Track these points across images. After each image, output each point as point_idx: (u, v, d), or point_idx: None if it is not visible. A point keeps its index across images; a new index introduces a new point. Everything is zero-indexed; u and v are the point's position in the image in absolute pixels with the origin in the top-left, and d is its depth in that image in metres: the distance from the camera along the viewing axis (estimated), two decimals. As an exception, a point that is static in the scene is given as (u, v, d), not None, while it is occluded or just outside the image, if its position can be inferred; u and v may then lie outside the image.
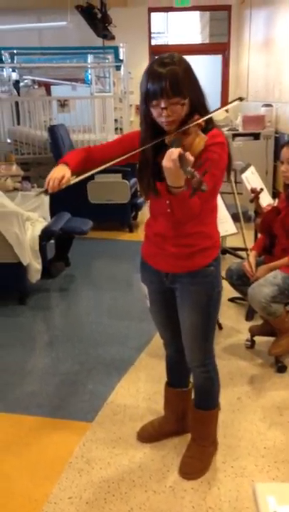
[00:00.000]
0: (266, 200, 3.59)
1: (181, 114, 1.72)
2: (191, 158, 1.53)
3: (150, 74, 1.71)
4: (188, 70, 1.73)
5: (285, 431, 2.39)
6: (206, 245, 1.92)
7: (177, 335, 2.09)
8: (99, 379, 2.87)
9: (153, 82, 1.69)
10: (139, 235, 5.87)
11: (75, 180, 1.77)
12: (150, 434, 2.35)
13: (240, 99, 1.80)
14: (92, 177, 5.63)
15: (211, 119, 1.80)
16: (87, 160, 1.89)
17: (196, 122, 1.70)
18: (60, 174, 1.75)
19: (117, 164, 1.86)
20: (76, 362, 3.07)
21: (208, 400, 2.17)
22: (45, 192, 1.77)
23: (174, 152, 1.55)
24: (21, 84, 7.37)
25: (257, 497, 0.83)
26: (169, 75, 1.67)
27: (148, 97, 1.73)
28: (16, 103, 6.56)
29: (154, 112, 1.74)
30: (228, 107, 1.81)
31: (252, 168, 4.01)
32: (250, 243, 3.26)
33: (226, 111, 7.70)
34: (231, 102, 1.80)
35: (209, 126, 1.78)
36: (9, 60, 7.10)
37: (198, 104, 1.75)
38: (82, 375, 2.92)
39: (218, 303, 2.04)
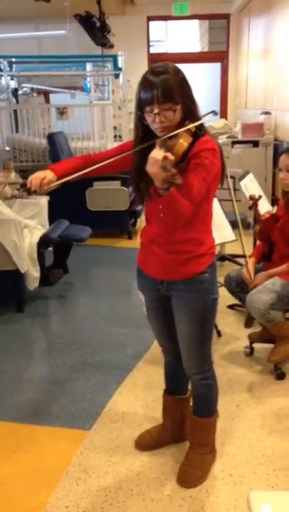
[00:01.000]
0: (265, 207, 3.59)
1: (174, 120, 1.74)
2: (171, 157, 1.56)
3: (143, 82, 1.75)
4: (181, 78, 1.76)
5: (284, 438, 2.38)
6: (200, 252, 1.92)
7: (175, 342, 2.08)
8: (97, 386, 2.85)
9: (145, 89, 1.73)
10: (138, 242, 5.85)
11: (57, 182, 1.81)
12: (148, 443, 2.33)
13: (214, 112, 1.84)
14: (91, 184, 5.74)
15: (202, 126, 1.81)
16: (85, 167, 1.89)
17: (185, 128, 1.72)
18: (42, 175, 1.80)
19: (113, 172, 1.88)
20: (74, 369, 3.05)
21: (206, 407, 2.16)
22: (28, 191, 1.81)
23: (157, 154, 1.57)
24: (20, 92, 7.39)
25: (251, 505, 0.82)
26: (161, 83, 1.70)
27: (141, 104, 1.76)
28: (15, 111, 6.57)
29: (148, 119, 1.77)
30: (203, 120, 1.83)
31: (250, 176, 4.01)
32: (248, 250, 3.25)
33: (226, 118, 7.74)
34: (205, 115, 1.83)
35: (200, 132, 1.79)
36: (8, 69, 7.11)
37: (189, 112, 1.78)
38: (80, 382, 2.91)
39: (215, 310, 2.03)
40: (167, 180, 1.56)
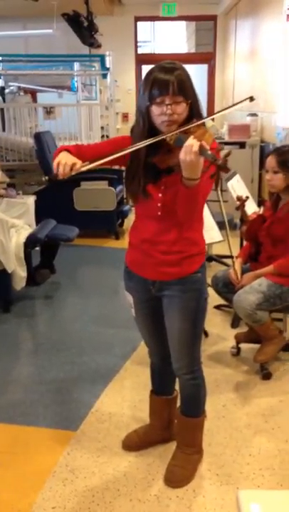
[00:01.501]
0: (252, 208, 3.61)
1: (182, 115, 1.74)
2: (207, 145, 1.56)
3: (156, 75, 1.72)
4: (189, 76, 1.77)
5: (270, 438, 2.40)
6: (194, 252, 1.93)
7: (163, 343, 2.09)
8: (84, 387, 2.85)
9: (160, 81, 1.71)
10: (125, 242, 5.83)
11: (88, 166, 1.68)
12: (135, 443, 2.33)
13: (251, 98, 1.80)
14: (78, 184, 5.72)
15: (205, 126, 1.82)
16: (77, 157, 1.82)
17: (197, 123, 1.71)
18: (71, 161, 1.67)
19: (105, 164, 1.81)
20: (61, 370, 3.04)
21: (195, 407, 2.17)
22: (55, 177, 1.68)
23: (194, 144, 1.55)
24: (7, 91, 7.34)
25: (240, 505, 0.83)
26: (176, 75, 1.71)
27: (152, 95, 1.72)
28: (2, 110, 6.54)
29: (157, 111, 1.74)
30: (238, 106, 1.81)
31: (237, 177, 4.03)
32: (235, 251, 3.27)
33: (212, 119, 7.77)
34: (241, 101, 1.80)
35: None
36: (-5, 67, 7.07)
37: (195, 110, 1.78)
38: (67, 383, 2.90)
39: (205, 310, 2.05)
40: (206, 163, 1.54)
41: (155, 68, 1.75)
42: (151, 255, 1.93)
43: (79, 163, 1.67)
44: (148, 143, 1.71)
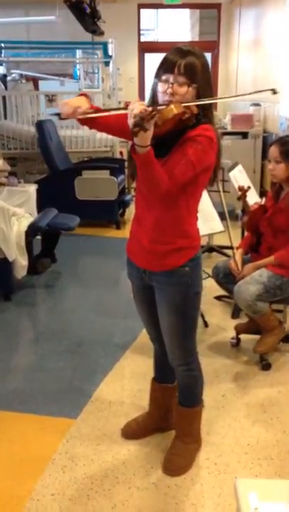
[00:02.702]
0: (253, 198, 3.60)
1: (185, 97, 1.73)
2: (148, 109, 1.53)
3: (168, 55, 1.74)
4: (203, 62, 1.77)
5: (268, 428, 2.41)
6: (182, 245, 1.90)
7: (160, 331, 2.09)
8: (84, 376, 2.86)
9: (169, 60, 1.73)
10: (126, 232, 5.81)
11: (91, 114, 1.72)
12: (134, 431, 2.35)
13: (273, 90, 1.77)
14: (80, 173, 5.70)
15: (209, 114, 1.80)
16: (108, 118, 1.85)
17: (187, 103, 1.69)
18: (77, 103, 1.72)
19: (119, 133, 1.82)
20: (61, 358, 3.05)
21: (191, 397, 2.17)
22: (59, 115, 1.72)
23: (135, 108, 1.54)
24: (8, 78, 7.29)
25: (238, 493, 0.83)
26: (185, 57, 1.71)
27: (159, 71, 1.75)
28: (3, 97, 6.50)
29: (161, 87, 1.75)
30: (256, 95, 1.78)
31: (239, 167, 4.02)
32: (236, 241, 3.27)
33: (215, 109, 7.72)
34: (263, 91, 1.78)
35: (203, 119, 1.77)
36: (-3, 54, 7.03)
37: (202, 97, 1.75)
38: (66, 371, 2.91)
39: (196, 303, 2.02)
40: (137, 121, 1.49)
41: (172, 48, 1.77)
42: (141, 242, 1.94)
43: (84, 107, 1.71)
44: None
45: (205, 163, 1.77)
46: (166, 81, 1.74)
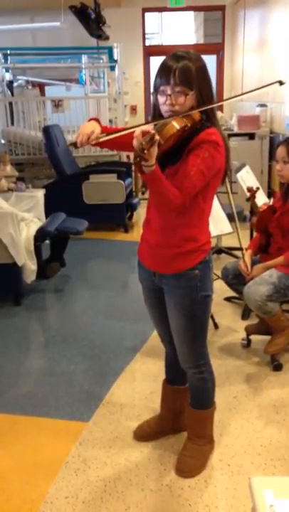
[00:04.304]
0: (261, 199, 3.60)
1: (184, 105, 1.72)
2: (151, 131, 1.54)
3: (163, 62, 1.74)
4: (200, 66, 1.75)
5: (281, 429, 2.40)
6: (191, 248, 1.90)
7: (171, 332, 2.09)
8: (95, 379, 2.87)
9: (163, 69, 1.73)
10: (135, 235, 5.87)
11: (104, 138, 1.75)
12: (147, 433, 2.35)
13: (280, 82, 1.76)
14: (87, 177, 5.72)
15: (212, 118, 1.80)
16: (119, 137, 1.85)
17: (187, 113, 1.70)
18: (90, 130, 1.74)
19: (125, 149, 1.85)
20: (72, 362, 3.06)
21: (202, 399, 2.17)
22: (74, 145, 1.76)
23: (137, 129, 1.57)
24: (15, 84, 7.35)
25: (253, 491, 0.83)
26: (179, 65, 1.70)
27: (156, 83, 1.75)
28: (10, 103, 6.54)
29: (160, 100, 1.76)
30: (263, 89, 1.77)
31: (247, 168, 4.02)
32: (245, 242, 3.27)
33: (221, 111, 7.72)
34: (270, 84, 1.76)
35: (207, 124, 1.77)
36: (2, 61, 7.07)
37: (202, 102, 1.75)
38: (77, 375, 2.92)
39: (206, 307, 2.00)
40: (136, 152, 1.52)
41: (168, 55, 1.76)
42: (150, 245, 1.95)
43: (96, 132, 1.73)
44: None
45: (214, 169, 1.77)
46: (164, 92, 1.74)
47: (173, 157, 1.73)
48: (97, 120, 1.84)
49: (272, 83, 1.74)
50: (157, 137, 1.54)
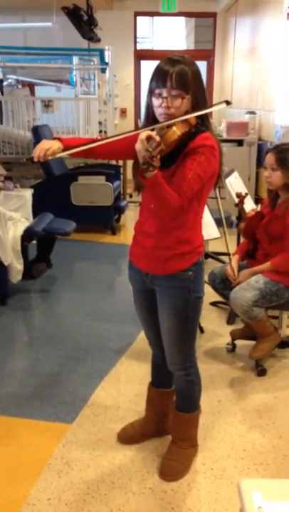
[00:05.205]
0: (249, 205, 3.63)
1: (180, 109, 1.74)
2: (156, 139, 1.56)
3: (159, 65, 1.75)
4: (195, 70, 1.77)
5: (264, 433, 2.41)
6: (185, 250, 1.91)
7: (160, 335, 2.09)
8: (79, 380, 2.86)
9: (159, 72, 1.73)
10: (122, 237, 5.87)
11: (61, 154, 1.82)
12: (131, 436, 2.34)
13: (227, 102, 1.79)
14: (75, 179, 5.72)
15: (206, 122, 1.81)
16: (91, 149, 1.88)
17: (184, 117, 1.71)
18: (47, 146, 1.79)
19: (116, 157, 1.88)
20: (56, 363, 3.05)
21: (188, 402, 2.17)
22: (31, 160, 1.82)
23: (142, 133, 1.59)
24: (5, 83, 7.31)
25: (242, 492, 0.84)
26: (176, 68, 1.71)
27: (151, 86, 1.76)
28: (0, 102, 6.51)
29: (156, 102, 1.76)
30: (214, 109, 1.82)
31: (235, 174, 4.04)
32: (232, 248, 3.29)
33: (211, 117, 7.76)
34: (217, 104, 1.79)
35: (201, 128, 1.78)
36: (-7, 59, 7.04)
37: (197, 106, 1.76)
38: (62, 376, 2.91)
39: (198, 308, 2.02)
40: (145, 160, 1.55)
41: (163, 59, 1.77)
42: (144, 247, 1.96)
43: (53, 148, 1.78)
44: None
45: (210, 172, 1.79)
46: (160, 95, 1.74)
47: (168, 160, 1.74)
48: (59, 139, 1.86)
49: (219, 103, 1.76)
50: (162, 148, 1.57)
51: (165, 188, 1.69)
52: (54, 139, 1.85)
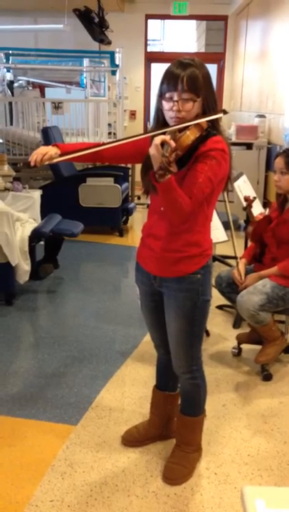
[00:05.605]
0: (257, 209, 3.61)
1: (191, 112, 1.73)
2: (172, 144, 1.58)
3: (169, 68, 1.75)
4: (206, 73, 1.77)
5: (269, 439, 2.40)
6: (194, 253, 1.91)
7: (166, 338, 2.08)
8: (84, 382, 2.85)
9: (170, 75, 1.73)
10: (129, 239, 5.87)
11: (58, 159, 1.84)
12: (135, 438, 2.34)
13: (224, 111, 1.80)
14: (84, 180, 5.73)
15: (216, 125, 1.81)
16: (95, 153, 1.90)
17: (196, 121, 1.70)
18: (45, 151, 1.82)
19: (124, 161, 1.90)
20: (62, 364, 3.05)
21: (194, 406, 2.16)
22: (28, 164, 1.85)
23: (157, 138, 1.59)
24: (15, 85, 7.36)
25: (245, 500, 0.83)
26: (187, 72, 1.71)
27: (162, 89, 1.75)
28: (10, 103, 6.55)
29: (166, 106, 1.76)
30: (210, 118, 1.80)
31: (244, 177, 4.03)
32: (239, 251, 3.28)
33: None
34: (214, 115, 1.78)
35: (213, 132, 1.78)
36: (4, 61, 7.08)
37: (208, 109, 1.76)
38: (67, 377, 2.90)
39: (205, 311, 2.02)
40: (162, 165, 1.56)
41: (173, 62, 1.76)
42: (153, 249, 1.95)
43: (49, 153, 1.81)
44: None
45: (220, 175, 1.79)
46: (171, 98, 1.74)
47: (178, 164, 1.73)
48: (58, 144, 1.89)
49: (216, 114, 1.77)
50: (173, 144, 1.58)
51: (178, 192, 1.69)
52: (53, 145, 1.87)
